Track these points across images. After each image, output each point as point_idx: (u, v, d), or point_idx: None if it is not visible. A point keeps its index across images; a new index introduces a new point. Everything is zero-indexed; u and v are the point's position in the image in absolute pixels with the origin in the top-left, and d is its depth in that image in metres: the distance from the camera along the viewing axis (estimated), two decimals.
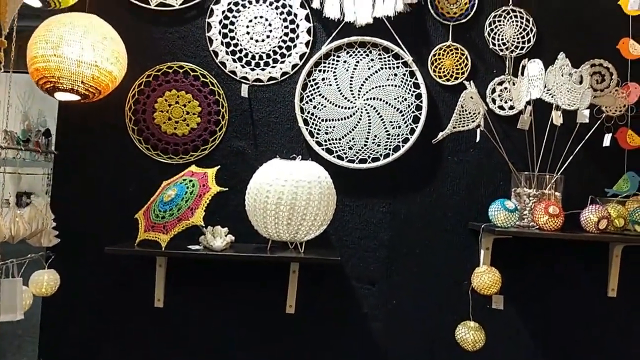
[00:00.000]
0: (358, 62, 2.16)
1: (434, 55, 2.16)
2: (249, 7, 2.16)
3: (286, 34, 2.16)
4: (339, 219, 2.11)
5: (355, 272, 2.14)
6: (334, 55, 2.16)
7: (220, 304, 2.12)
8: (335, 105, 2.15)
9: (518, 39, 2.16)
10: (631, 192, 2.07)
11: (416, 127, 2.12)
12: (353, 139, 2.15)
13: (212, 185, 1.86)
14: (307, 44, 2.16)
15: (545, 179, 2.00)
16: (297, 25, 2.16)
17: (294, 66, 2.16)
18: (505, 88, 2.15)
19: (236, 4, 2.16)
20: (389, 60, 2.15)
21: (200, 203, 1.81)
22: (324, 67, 2.16)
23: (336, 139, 2.15)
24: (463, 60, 2.15)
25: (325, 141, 2.15)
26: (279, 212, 1.83)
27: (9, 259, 1.80)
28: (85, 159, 2.13)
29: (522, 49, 2.16)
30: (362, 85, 2.15)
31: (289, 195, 1.82)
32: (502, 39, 2.16)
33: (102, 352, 2.11)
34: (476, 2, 2.16)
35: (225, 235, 1.91)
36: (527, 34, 2.16)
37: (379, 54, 2.16)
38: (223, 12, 2.15)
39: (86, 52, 1.74)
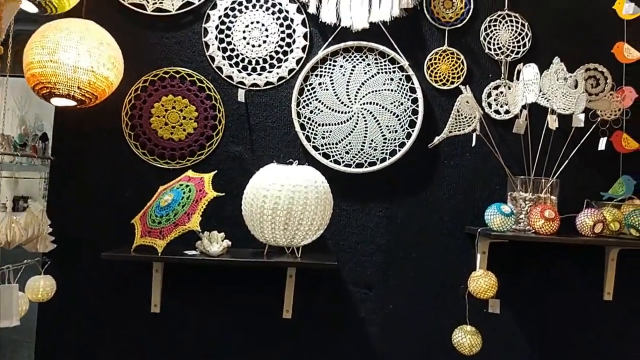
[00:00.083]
0: (354, 66, 2.16)
1: (430, 59, 2.17)
2: (245, 13, 2.16)
3: (283, 39, 2.16)
4: (335, 224, 2.11)
5: (352, 277, 2.15)
6: (330, 60, 2.16)
7: (217, 309, 2.12)
8: (332, 110, 2.16)
9: (513, 43, 2.17)
10: (626, 195, 2.08)
11: (412, 131, 2.13)
12: (350, 143, 2.15)
13: (209, 190, 1.86)
14: (303, 48, 2.16)
15: (541, 183, 2.00)
16: (294, 30, 2.16)
17: (290, 71, 2.16)
18: (501, 92, 2.16)
19: (232, 9, 2.16)
20: (385, 65, 2.16)
21: (196, 208, 1.81)
22: (321, 71, 2.16)
23: (333, 144, 2.15)
24: (459, 65, 2.16)
25: (322, 145, 2.15)
26: (275, 217, 1.83)
27: (4, 265, 1.79)
28: (81, 164, 2.12)
29: (517, 53, 2.17)
30: (359, 89, 2.16)
31: (286, 200, 1.82)
32: (498, 44, 2.17)
33: (99, 358, 2.10)
34: (472, 6, 2.17)
35: (222, 241, 1.91)
36: (523, 39, 2.17)
37: (375, 59, 2.16)
38: (219, 17, 2.16)
39: (82, 57, 1.74)
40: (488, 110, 2.16)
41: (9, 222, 1.81)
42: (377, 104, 2.15)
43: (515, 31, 2.17)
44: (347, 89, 2.16)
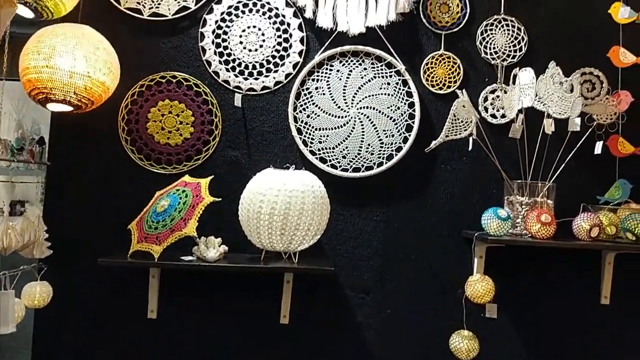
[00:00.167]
0: (351, 71, 2.16)
1: (427, 64, 2.17)
2: (242, 17, 2.16)
3: (279, 44, 2.16)
4: (332, 228, 2.11)
5: (350, 281, 2.14)
6: (327, 65, 2.16)
7: (214, 314, 2.11)
8: (329, 114, 2.16)
9: (509, 47, 2.17)
10: (623, 199, 2.08)
11: (409, 135, 2.13)
12: (347, 147, 2.15)
13: (206, 195, 1.86)
14: (300, 53, 2.16)
15: (537, 187, 2.01)
16: (290, 35, 2.16)
17: (287, 75, 2.16)
18: (497, 96, 2.16)
19: (229, 13, 2.16)
20: (381, 69, 2.16)
21: (193, 213, 1.81)
22: (318, 76, 2.16)
23: (330, 148, 2.15)
24: (455, 69, 2.17)
25: (319, 150, 2.15)
26: (272, 222, 1.83)
27: (1, 271, 1.78)
28: (77, 169, 2.12)
29: (513, 57, 2.17)
30: (356, 94, 2.16)
31: (283, 205, 1.82)
32: (494, 48, 2.17)
33: None
34: (468, 11, 2.17)
35: (219, 246, 1.91)
36: (519, 43, 2.17)
37: (372, 63, 2.17)
38: (216, 22, 2.16)
39: (78, 62, 1.74)
40: (484, 115, 2.16)
41: (5, 228, 1.80)
42: (373, 108, 2.16)
43: (512, 35, 2.17)
44: (344, 93, 2.16)
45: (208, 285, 2.10)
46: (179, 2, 2.14)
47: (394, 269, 2.15)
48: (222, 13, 2.16)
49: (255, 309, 2.11)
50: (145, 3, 2.13)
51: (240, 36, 2.16)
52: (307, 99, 2.16)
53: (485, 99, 2.17)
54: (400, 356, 2.14)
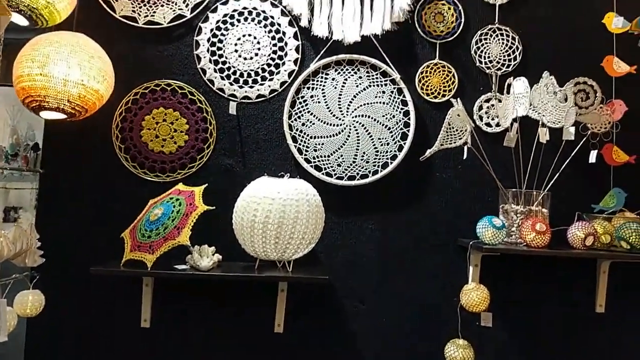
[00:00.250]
0: (346, 79, 2.17)
1: (422, 72, 2.18)
2: (237, 26, 2.16)
3: (274, 52, 2.17)
4: (327, 237, 2.10)
5: (345, 290, 2.14)
6: (322, 73, 2.17)
7: (208, 323, 2.10)
8: (324, 123, 2.16)
9: (504, 56, 2.18)
10: (617, 208, 2.09)
11: (404, 144, 2.13)
12: (342, 156, 2.15)
13: (199, 203, 1.85)
14: (295, 61, 2.16)
15: (532, 195, 2.01)
16: (286, 43, 2.17)
17: (282, 83, 2.16)
18: (492, 105, 2.17)
19: (224, 22, 2.16)
20: (377, 78, 2.17)
21: (186, 222, 1.80)
22: (313, 84, 2.16)
23: (325, 156, 2.15)
24: (450, 78, 2.17)
25: (314, 158, 2.15)
26: (266, 230, 1.82)
27: None
28: (71, 177, 2.11)
29: (508, 66, 2.18)
30: (351, 102, 2.16)
31: (277, 213, 1.81)
32: (488, 57, 2.18)
33: None
34: (462, 20, 2.18)
35: (213, 255, 1.89)
36: (513, 52, 2.18)
37: (367, 72, 2.17)
38: (211, 30, 2.16)
39: (73, 70, 1.73)
40: (479, 123, 2.17)
41: None
42: (369, 117, 2.16)
43: (506, 45, 2.18)
44: (339, 101, 2.16)
45: (202, 294, 2.08)
46: (174, 11, 2.14)
47: (389, 278, 2.15)
48: (218, 21, 2.16)
49: (249, 318, 2.10)
50: (140, 11, 2.13)
51: (236, 44, 2.16)
52: (302, 107, 2.16)
53: (480, 108, 2.18)
54: None
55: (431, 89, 2.18)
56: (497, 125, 2.16)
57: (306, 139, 2.15)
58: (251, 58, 2.16)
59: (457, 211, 2.16)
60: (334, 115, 2.16)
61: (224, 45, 2.16)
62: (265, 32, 2.16)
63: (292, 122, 2.15)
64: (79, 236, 2.08)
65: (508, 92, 2.01)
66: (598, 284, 2.12)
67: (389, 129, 2.15)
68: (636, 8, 2.09)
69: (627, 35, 2.10)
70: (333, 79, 2.16)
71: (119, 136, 2.11)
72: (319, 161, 2.15)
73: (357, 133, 2.15)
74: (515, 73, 2.12)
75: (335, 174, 2.14)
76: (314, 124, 2.15)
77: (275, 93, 2.16)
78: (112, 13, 2.13)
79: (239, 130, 2.16)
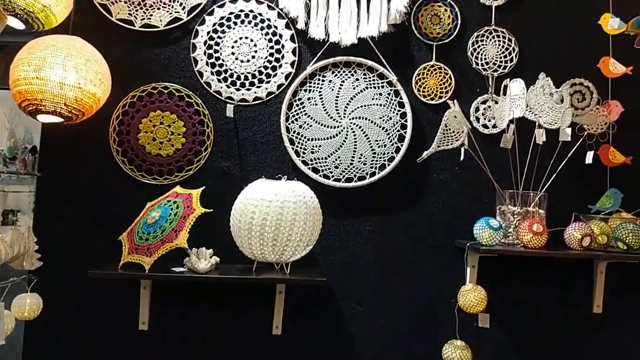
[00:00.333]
0: (343, 81, 2.17)
1: (418, 74, 2.18)
2: (234, 28, 2.17)
3: (271, 54, 2.17)
4: (325, 239, 2.11)
5: (342, 292, 2.14)
6: (319, 75, 2.17)
7: (205, 326, 2.10)
8: (321, 125, 2.16)
9: (500, 58, 2.19)
10: (614, 208, 2.09)
11: (401, 145, 2.14)
12: (339, 158, 2.15)
13: (197, 206, 1.85)
14: (292, 64, 2.17)
15: (529, 196, 2.01)
16: (283, 46, 2.17)
17: (279, 86, 2.17)
18: (489, 107, 2.17)
19: (221, 25, 2.17)
20: (373, 80, 2.17)
21: (184, 225, 1.80)
22: (310, 86, 2.17)
23: (322, 158, 2.15)
24: (447, 80, 2.18)
25: (312, 160, 2.15)
26: (264, 233, 1.82)
27: None
28: (68, 181, 2.11)
29: (504, 68, 2.18)
30: (348, 104, 2.17)
31: (274, 215, 1.81)
32: (485, 59, 2.19)
33: None
34: (459, 22, 2.18)
35: (210, 257, 1.90)
36: (510, 53, 2.19)
37: (364, 74, 2.17)
38: (208, 32, 2.16)
39: (69, 74, 1.73)
40: (476, 125, 2.17)
41: None
42: (366, 119, 2.16)
43: (502, 46, 2.19)
44: (336, 103, 2.17)
45: (200, 296, 2.08)
46: (170, 14, 2.15)
47: (387, 279, 2.15)
48: (214, 24, 2.16)
49: (247, 320, 2.10)
50: (137, 14, 2.14)
51: (232, 47, 2.16)
52: (300, 109, 2.16)
53: (477, 109, 2.18)
54: None
55: (428, 91, 2.18)
56: (494, 126, 2.16)
57: (303, 141, 2.16)
58: (248, 61, 2.16)
59: (454, 212, 2.16)
60: (331, 118, 2.16)
61: (220, 48, 2.16)
62: (262, 34, 2.17)
63: (289, 124, 2.16)
64: (77, 239, 2.08)
65: (504, 94, 2.01)
66: (595, 284, 2.13)
67: (386, 130, 2.16)
68: (632, 9, 2.09)
69: (623, 37, 2.10)
70: (330, 81, 2.17)
71: (116, 139, 2.11)
72: (316, 163, 2.15)
73: (355, 135, 2.16)
74: (512, 74, 2.12)
75: (332, 176, 2.14)
76: (311, 126, 2.16)
77: (273, 95, 2.17)
78: (108, 16, 2.13)
79: (236, 132, 2.16)
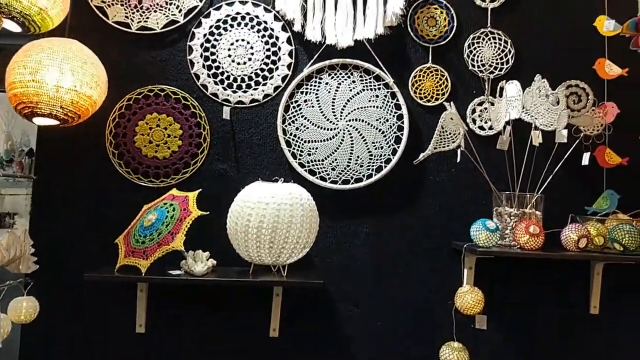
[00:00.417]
0: (340, 83, 2.17)
1: (415, 76, 2.18)
2: (230, 31, 2.17)
3: (268, 57, 2.17)
4: (322, 241, 2.10)
5: (339, 294, 2.14)
6: (315, 77, 2.17)
7: (202, 328, 2.09)
8: (318, 127, 2.16)
9: (496, 60, 2.19)
10: (611, 210, 2.10)
11: (398, 147, 2.14)
12: (336, 160, 2.15)
13: (193, 209, 1.85)
14: (289, 66, 2.17)
15: (525, 198, 2.01)
16: (279, 48, 2.17)
17: (276, 88, 2.17)
18: (485, 108, 2.17)
19: (218, 27, 2.17)
20: (370, 82, 2.17)
21: (180, 227, 1.80)
22: (306, 89, 2.17)
23: (319, 160, 2.15)
24: (443, 82, 2.18)
25: (308, 162, 2.15)
26: (260, 235, 1.82)
27: None
28: (64, 183, 2.10)
29: (500, 69, 2.19)
30: (344, 106, 2.17)
31: (271, 218, 1.81)
32: (481, 60, 2.19)
33: None
34: (455, 24, 2.19)
35: (207, 260, 1.89)
36: (506, 55, 2.19)
37: (361, 76, 2.18)
38: (204, 35, 2.16)
39: (65, 77, 1.73)
40: (472, 126, 2.18)
41: None
42: (362, 121, 2.16)
43: (498, 48, 2.19)
44: (333, 105, 2.17)
45: (197, 299, 2.08)
46: (167, 16, 2.15)
47: (384, 281, 2.15)
48: (211, 27, 2.16)
49: (244, 323, 2.09)
50: (133, 17, 2.14)
51: (229, 49, 2.16)
52: (296, 111, 2.16)
53: (473, 111, 2.19)
54: None
55: (424, 93, 2.18)
56: (490, 128, 2.16)
57: (300, 143, 2.16)
58: (244, 63, 2.16)
59: (451, 214, 2.16)
60: (327, 120, 2.16)
61: (217, 51, 2.16)
62: (259, 37, 2.17)
63: (286, 126, 2.16)
64: (73, 242, 2.08)
65: (501, 96, 2.02)
66: (592, 285, 2.13)
67: (383, 132, 2.16)
68: (627, 11, 2.11)
69: (618, 38, 2.11)
70: (327, 83, 2.17)
71: (113, 142, 2.11)
72: (313, 165, 2.15)
73: (351, 137, 2.16)
74: (508, 76, 2.13)
75: (329, 178, 2.15)
76: (307, 128, 2.16)
77: (269, 98, 2.17)
78: (104, 19, 2.13)
79: (232, 135, 2.16)
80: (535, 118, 1.96)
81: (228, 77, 2.16)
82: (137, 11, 2.14)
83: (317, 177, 2.14)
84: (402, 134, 2.14)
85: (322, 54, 2.16)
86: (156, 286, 2.04)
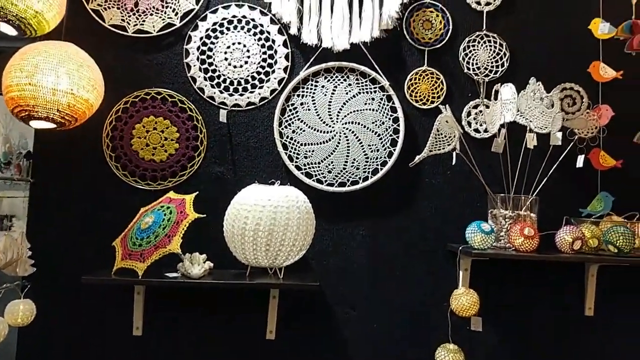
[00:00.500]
0: (336, 87, 2.18)
1: (410, 79, 2.20)
2: (227, 34, 2.18)
3: (264, 60, 2.18)
4: (318, 243, 2.11)
5: (336, 296, 2.14)
6: (312, 80, 2.18)
7: (199, 331, 2.10)
8: (314, 130, 2.17)
9: (492, 63, 2.20)
10: (605, 212, 2.11)
11: (394, 150, 2.15)
12: (332, 162, 2.16)
13: (190, 211, 1.86)
14: (285, 69, 2.18)
15: (520, 200, 2.03)
16: (275, 51, 2.18)
17: (272, 91, 2.18)
18: (480, 111, 2.19)
19: (214, 30, 2.17)
20: (366, 85, 2.18)
21: (177, 230, 1.80)
22: (303, 92, 2.18)
23: (315, 163, 2.16)
24: (438, 85, 2.19)
25: (305, 165, 2.16)
26: (257, 237, 1.83)
27: None
28: (61, 186, 2.11)
29: (495, 72, 2.20)
30: (341, 109, 2.18)
31: (267, 220, 1.82)
32: (476, 64, 2.20)
33: None
34: (450, 27, 2.20)
35: (204, 262, 1.90)
36: (501, 58, 2.20)
37: (357, 79, 2.19)
38: (201, 38, 2.17)
39: (62, 80, 1.73)
40: (468, 129, 2.19)
41: None
42: (358, 124, 2.17)
43: (493, 51, 2.21)
44: (329, 108, 2.18)
45: (193, 301, 2.09)
46: (163, 20, 2.15)
47: (380, 284, 2.16)
48: (207, 30, 2.17)
49: (241, 325, 2.10)
50: (129, 20, 2.14)
51: (225, 53, 2.17)
52: (293, 114, 2.17)
53: (468, 114, 2.20)
54: None
55: (420, 96, 2.19)
56: (485, 131, 2.18)
57: (297, 146, 2.16)
58: (241, 66, 2.17)
59: (446, 217, 2.17)
60: (324, 123, 2.17)
61: (213, 54, 2.17)
62: (255, 40, 2.18)
63: (282, 129, 2.16)
64: (70, 245, 2.08)
65: (496, 98, 2.03)
66: (586, 287, 2.14)
67: (379, 135, 2.17)
68: (622, 14, 2.12)
69: (613, 41, 2.13)
70: (323, 87, 2.18)
71: (110, 145, 2.11)
72: (309, 168, 2.16)
73: (347, 140, 2.17)
74: (503, 79, 2.14)
75: (325, 181, 2.15)
76: (304, 131, 2.17)
77: (266, 101, 2.18)
78: (101, 22, 2.14)
79: (229, 138, 2.17)
80: (530, 121, 1.97)
81: (224, 80, 2.16)
82: (134, 14, 2.15)
83: (313, 180, 2.15)
84: (397, 137, 2.15)
85: (318, 57, 2.17)
86: (153, 289, 2.05)
